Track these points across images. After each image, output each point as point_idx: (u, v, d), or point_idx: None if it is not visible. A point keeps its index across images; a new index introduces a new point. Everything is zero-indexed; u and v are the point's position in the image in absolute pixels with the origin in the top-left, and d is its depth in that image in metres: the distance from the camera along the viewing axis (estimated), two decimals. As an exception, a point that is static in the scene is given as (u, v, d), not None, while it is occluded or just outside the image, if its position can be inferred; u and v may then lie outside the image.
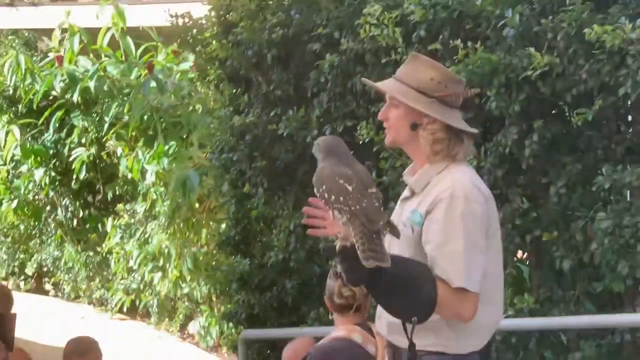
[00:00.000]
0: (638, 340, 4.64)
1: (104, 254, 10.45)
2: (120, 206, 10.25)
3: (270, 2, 6.25)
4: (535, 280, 5.10)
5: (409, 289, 2.36)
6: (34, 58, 10.57)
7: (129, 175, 9.72)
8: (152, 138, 9.28)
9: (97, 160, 10.39)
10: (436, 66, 2.74)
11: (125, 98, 9.36)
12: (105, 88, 9.54)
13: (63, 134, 10.53)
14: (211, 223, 8.93)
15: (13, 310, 4.43)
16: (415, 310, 2.40)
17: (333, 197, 2.31)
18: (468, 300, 2.48)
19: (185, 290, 9.27)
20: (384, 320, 2.69)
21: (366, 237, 2.22)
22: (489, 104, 4.78)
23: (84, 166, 10.20)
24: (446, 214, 2.50)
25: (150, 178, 9.29)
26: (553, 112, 4.81)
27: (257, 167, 6.57)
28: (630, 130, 4.74)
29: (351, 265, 2.27)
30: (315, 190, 2.35)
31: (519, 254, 5.48)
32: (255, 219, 6.86)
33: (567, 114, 4.76)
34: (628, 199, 4.50)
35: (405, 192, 2.78)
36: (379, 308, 2.68)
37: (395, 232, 2.35)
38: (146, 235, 9.57)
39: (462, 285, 2.45)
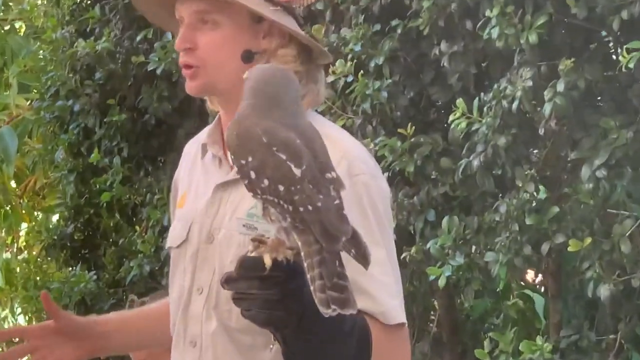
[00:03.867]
0: None
1: None
2: None
3: None
4: (554, 316, 4.94)
5: (346, 342, 1.96)
6: None
7: None
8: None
9: None
10: None
11: None
12: None
13: None
14: (36, 213, 8.44)
15: None
16: None
17: (266, 182, 1.79)
18: (403, 338, 2.23)
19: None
20: None
21: (326, 264, 1.75)
22: (487, 31, 4.41)
23: None
24: (352, 207, 2.05)
25: None
26: (590, 46, 4.51)
27: (112, 123, 6.16)
28: None
29: (284, 292, 1.83)
30: (232, 158, 1.89)
31: (530, 273, 5.43)
32: (107, 207, 6.44)
33: (611, 49, 4.60)
34: None
35: (225, 174, 2.35)
36: None
37: (364, 255, 1.80)
38: None
39: (401, 321, 2.19)
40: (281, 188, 1.79)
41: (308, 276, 1.83)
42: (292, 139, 1.87)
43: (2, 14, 8.18)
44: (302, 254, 1.84)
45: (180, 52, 2.33)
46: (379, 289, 2.15)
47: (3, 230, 8.35)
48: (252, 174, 1.82)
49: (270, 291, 1.85)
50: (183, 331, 2.37)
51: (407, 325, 2.24)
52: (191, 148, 2.53)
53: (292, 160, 1.81)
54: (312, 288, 1.81)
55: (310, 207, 1.80)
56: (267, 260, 1.85)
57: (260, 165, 1.82)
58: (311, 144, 1.88)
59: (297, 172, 1.81)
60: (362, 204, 2.18)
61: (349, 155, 2.20)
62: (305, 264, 1.82)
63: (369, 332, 2.07)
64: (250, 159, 1.83)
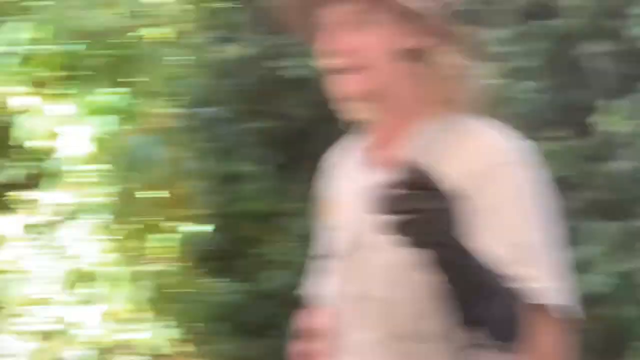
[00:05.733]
0: None
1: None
2: (14, 194, 8.78)
3: None
4: None
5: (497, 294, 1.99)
6: None
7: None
8: (73, 81, 8.12)
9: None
10: None
11: (26, 14, 8.25)
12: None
13: None
14: (177, 224, 8.41)
15: None
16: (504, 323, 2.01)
17: None
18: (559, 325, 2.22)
19: (143, 334, 8.29)
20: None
21: None
22: (629, 29, 4.87)
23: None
24: (511, 192, 2.11)
25: (68, 147, 8.16)
26: None
27: (255, 130, 6.74)
28: None
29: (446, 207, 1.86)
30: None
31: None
32: (251, 216, 6.95)
33: None
34: None
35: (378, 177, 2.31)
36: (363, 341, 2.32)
37: None
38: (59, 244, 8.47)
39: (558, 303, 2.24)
40: None
41: None
42: None
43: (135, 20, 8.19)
44: None
45: (329, 56, 2.29)
46: (550, 277, 2.10)
47: (145, 241, 8.35)
48: None
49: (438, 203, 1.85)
50: (347, 340, 2.42)
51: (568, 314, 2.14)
52: (334, 157, 2.58)
53: None
54: None
55: None
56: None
57: None
58: None
59: None
60: (522, 188, 2.12)
61: (499, 146, 2.18)
62: None
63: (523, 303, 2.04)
64: None
